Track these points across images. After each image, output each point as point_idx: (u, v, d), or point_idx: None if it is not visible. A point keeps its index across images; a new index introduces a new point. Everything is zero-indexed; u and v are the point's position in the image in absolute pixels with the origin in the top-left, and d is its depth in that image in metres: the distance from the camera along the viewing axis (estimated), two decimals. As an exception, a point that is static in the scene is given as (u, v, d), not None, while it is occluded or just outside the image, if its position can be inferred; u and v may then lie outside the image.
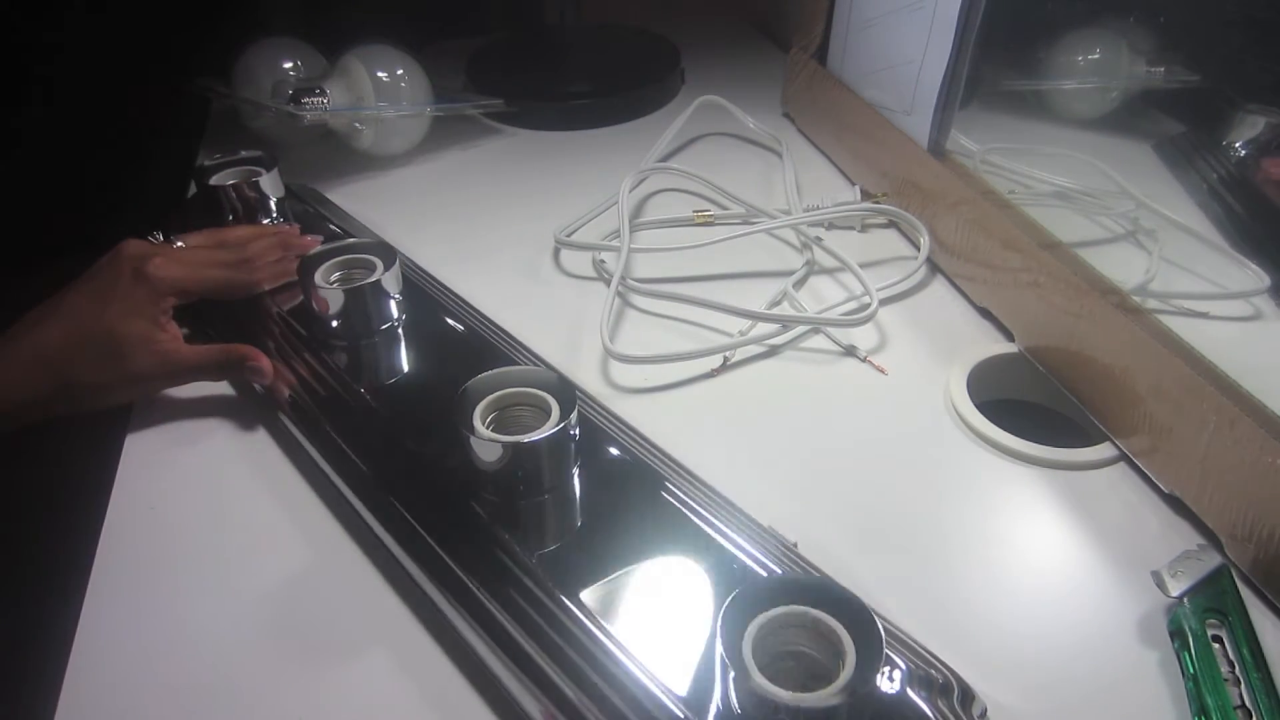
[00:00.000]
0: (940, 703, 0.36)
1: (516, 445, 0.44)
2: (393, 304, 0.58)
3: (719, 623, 0.34)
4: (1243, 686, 0.40)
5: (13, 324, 0.53)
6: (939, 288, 0.70)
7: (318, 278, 0.57)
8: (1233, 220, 0.69)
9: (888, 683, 0.36)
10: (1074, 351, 0.57)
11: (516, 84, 0.96)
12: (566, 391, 0.46)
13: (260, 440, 0.56)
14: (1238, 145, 0.76)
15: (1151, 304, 0.59)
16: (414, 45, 0.85)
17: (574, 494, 0.46)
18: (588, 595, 0.41)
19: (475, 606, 0.42)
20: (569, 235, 0.74)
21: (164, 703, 0.42)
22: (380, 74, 0.81)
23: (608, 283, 0.68)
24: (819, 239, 0.73)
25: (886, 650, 0.35)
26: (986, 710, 0.38)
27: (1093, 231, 0.70)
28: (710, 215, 0.77)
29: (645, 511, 0.45)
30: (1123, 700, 0.42)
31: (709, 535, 0.44)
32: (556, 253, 0.74)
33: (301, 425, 0.54)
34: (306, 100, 0.78)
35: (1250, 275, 0.64)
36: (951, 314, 0.67)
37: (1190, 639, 0.42)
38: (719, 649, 0.34)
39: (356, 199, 0.79)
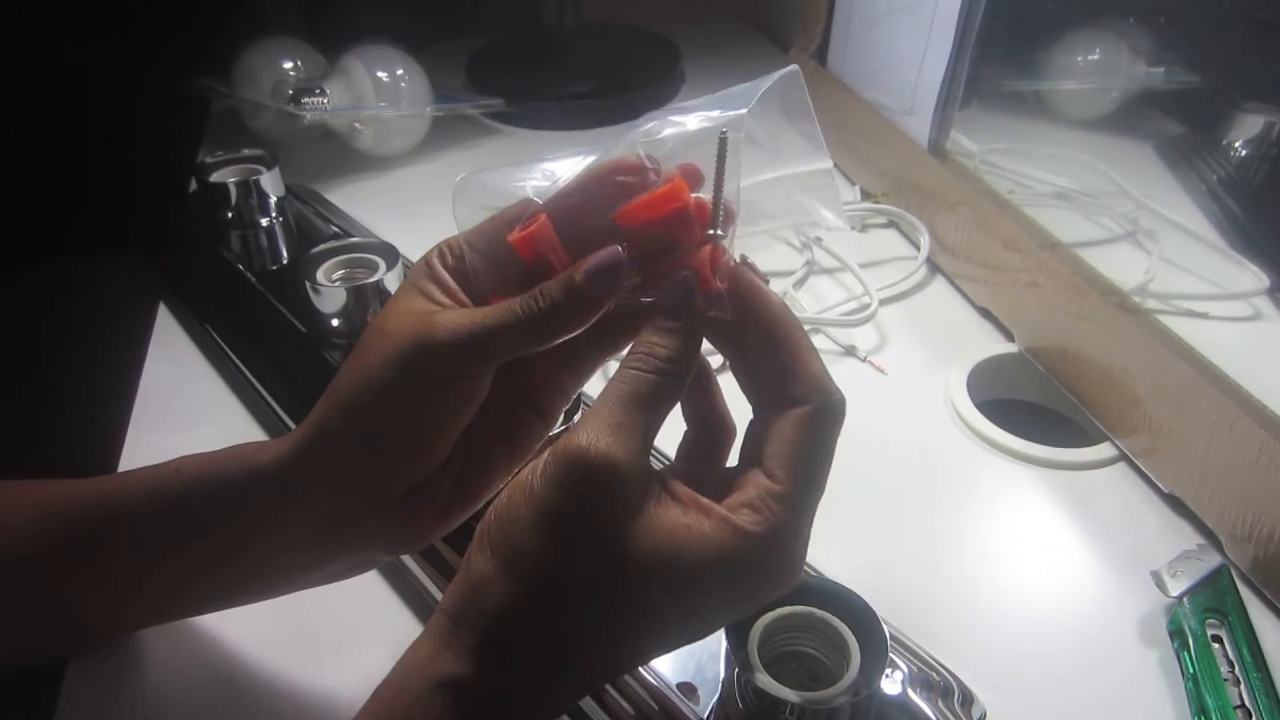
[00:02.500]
0: (941, 704, 0.36)
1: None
2: (393, 304, 0.58)
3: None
4: (1242, 686, 0.40)
5: (11, 324, 0.51)
6: (939, 288, 0.70)
7: (319, 275, 0.57)
8: (1232, 221, 0.69)
9: (889, 684, 0.37)
10: (1074, 351, 0.57)
11: (516, 84, 0.96)
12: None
13: (258, 438, 0.55)
14: (1238, 145, 0.77)
15: (1151, 304, 0.60)
16: (414, 45, 0.85)
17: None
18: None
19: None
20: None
21: (164, 700, 0.42)
22: (380, 74, 0.81)
23: (608, 283, 0.68)
24: (819, 239, 0.73)
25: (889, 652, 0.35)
26: (986, 714, 0.38)
27: (1093, 232, 0.70)
28: (710, 215, 0.77)
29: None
30: (1123, 700, 0.42)
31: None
32: (557, 253, 0.74)
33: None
34: (306, 100, 0.78)
35: (1250, 276, 0.64)
36: (951, 314, 0.67)
37: (1190, 639, 0.42)
38: (725, 647, 0.34)
39: (356, 199, 0.79)
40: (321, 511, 0.33)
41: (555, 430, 0.37)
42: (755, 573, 0.28)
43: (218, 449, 0.36)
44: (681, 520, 0.28)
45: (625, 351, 0.30)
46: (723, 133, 0.30)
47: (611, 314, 0.30)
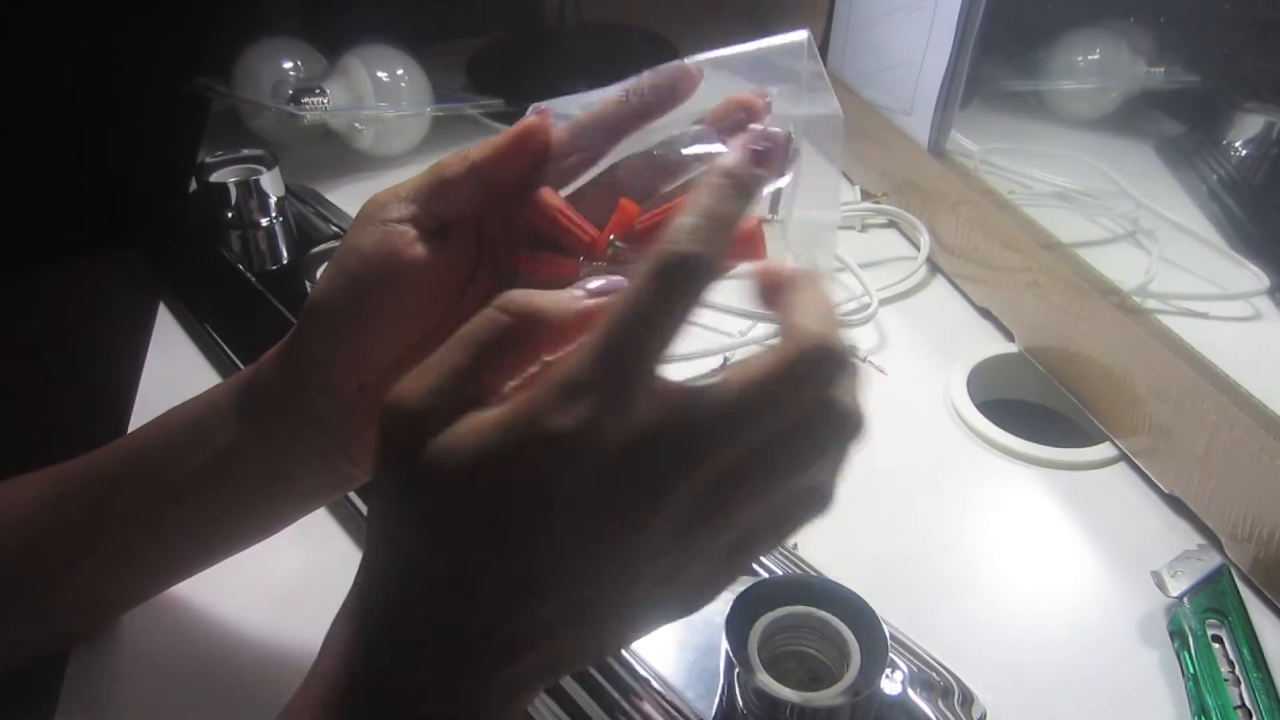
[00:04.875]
0: (941, 704, 0.36)
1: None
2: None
3: (726, 621, 0.34)
4: (1243, 686, 0.40)
5: (11, 324, 0.52)
6: (939, 288, 0.70)
7: (319, 275, 0.57)
8: (1232, 221, 0.69)
9: (889, 684, 0.36)
10: (1074, 351, 0.57)
11: (516, 84, 0.95)
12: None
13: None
14: (1238, 145, 0.77)
15: (1151, 304, 0.60)
16: (414, 45, 0.85)
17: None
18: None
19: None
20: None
21: (164, 698, 0.42)
22: (380, 74, 0.81)
23: (608, 283, 0.68)
24: (819, 239, 0.73)
25: (889, 652, 0.35)
26: (986, 714, 0.38)
27: (1093, 232, 0.70)
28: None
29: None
30: (1123, 700, 0.42)
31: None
32: (557, 253, 0.74)
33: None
34: (306, 100, 0.78)
35: (1250, 276, 0.64)
36: (951, 314, 0.67)
37: (1190, 639, 0.42)
38: (725, 647, 0.34)
39: (356, 199, 0.78)
40: (312, 391, 0.35)
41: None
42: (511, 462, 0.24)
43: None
44: (469, 423, 0.25)
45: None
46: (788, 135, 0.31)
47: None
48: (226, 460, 0.36)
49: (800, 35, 0.32)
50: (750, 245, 0.30)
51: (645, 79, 0.33)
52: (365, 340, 0.34)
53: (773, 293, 0.28)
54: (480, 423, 0.25)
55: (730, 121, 0.32)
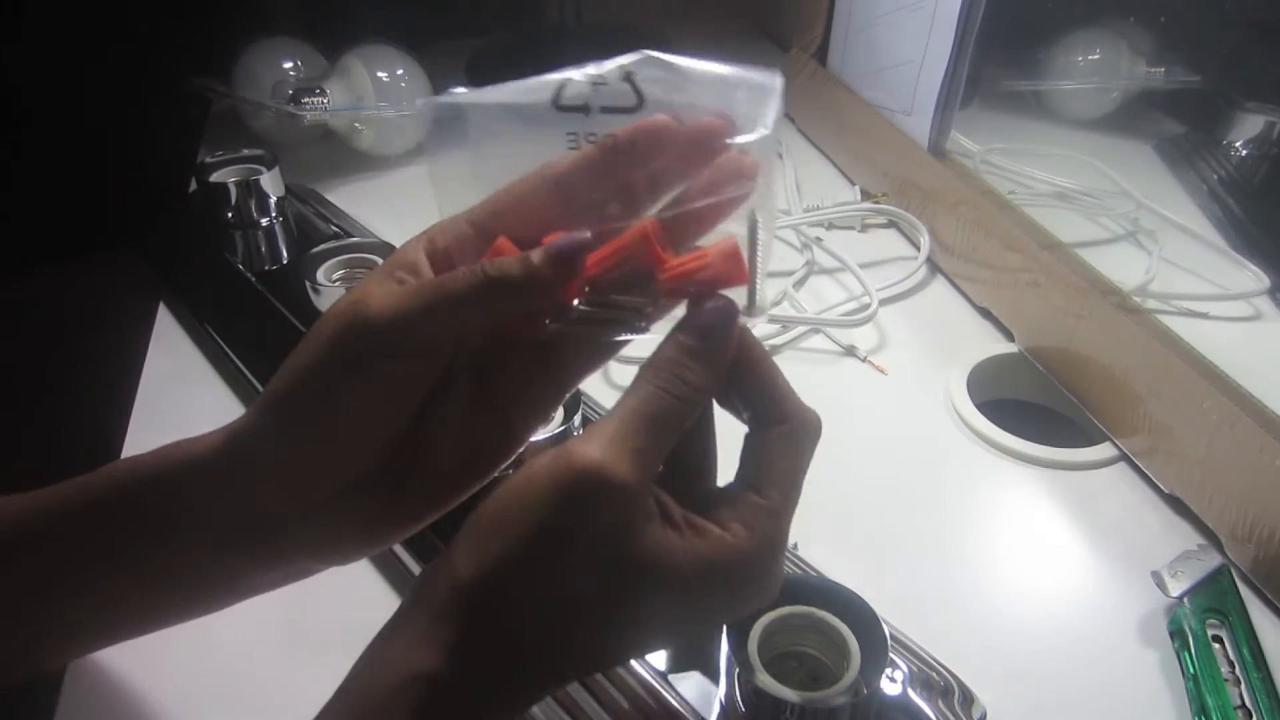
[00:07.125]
0: (941, 704, 0.36)
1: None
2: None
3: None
4: (1243, 686, 0.40)
5: (11, 324, 0.51)
6: (939, 288, 0.70)
7: (319, 275, 0.57)
8: (1232, 221, 0.69)
9: (889, 684, 0.37)
10: (1074, 351, 0.57)
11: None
12: (571, 397, 0.46)
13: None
14: (1238, 145, 0.77)
15: (1151, 304, 0.60)
16: (414, 45, 0.85)
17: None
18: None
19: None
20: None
21: (164, 701, 0.42)
22: (380, 74, 0.81)
23: (608, 283, 0.68)
24: (819, 239, 0.73)
25: (889, 652, 0.35)
26: (986, 714, 0.38)
27: (1093, 232, 0.71)
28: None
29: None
30: (1123, 700, 0.42)
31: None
32: (557, 253, 0.74)
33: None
34: (306, 100, 0.78)
35: (1250, 276, 0.64)
36: (951, 314, 0.67)
37: (1190, 639, 0.42)
38: (725, 647, 0.34)
39: (356, 199, 0.79)
40: (249, 507, 0.31)
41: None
42: (745, 584, 0.29)
43: (156, 448, 0.33)
44: (678, 543, 0.27)
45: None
46: (752, 212, 0.29)
47: (604, 331, 0.30)
48: (169, 541, 0.32)
49: (775, 80, 0.29)
50: (731, 265, 0.29)
51: (621, 136, 0.30)
52: (348, 448, 0.30)
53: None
54: None
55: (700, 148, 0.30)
